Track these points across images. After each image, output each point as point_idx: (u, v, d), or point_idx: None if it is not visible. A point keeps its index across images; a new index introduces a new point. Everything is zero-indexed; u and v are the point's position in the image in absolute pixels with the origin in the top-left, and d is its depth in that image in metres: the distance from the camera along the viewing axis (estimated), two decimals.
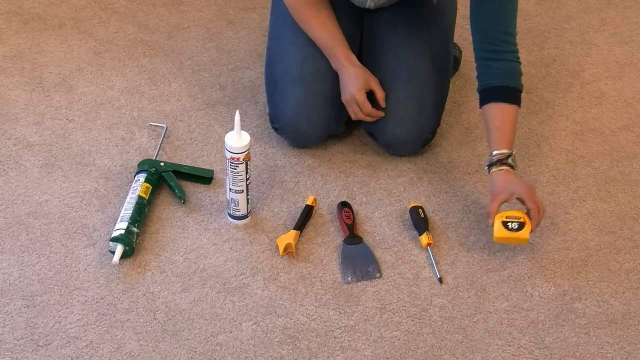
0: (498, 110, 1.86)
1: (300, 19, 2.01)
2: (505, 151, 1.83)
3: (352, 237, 1.88)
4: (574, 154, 2.13)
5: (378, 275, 1.82)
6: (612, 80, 2.37)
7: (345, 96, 1.97)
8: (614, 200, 2.02)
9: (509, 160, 1.83)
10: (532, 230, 1.80)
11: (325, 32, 1.99)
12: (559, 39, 2.50)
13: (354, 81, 1.95)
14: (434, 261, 1.83)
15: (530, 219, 1.80)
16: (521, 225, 1.80)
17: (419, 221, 1.89)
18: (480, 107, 1.89)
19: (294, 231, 1.86)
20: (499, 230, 1.80)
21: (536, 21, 2.57)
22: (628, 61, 2.44)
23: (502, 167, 1.83)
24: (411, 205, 1.93)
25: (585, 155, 2.13)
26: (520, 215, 1.81)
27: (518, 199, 1.82)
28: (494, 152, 1.84)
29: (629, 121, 2.24)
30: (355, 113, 1.98)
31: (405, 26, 2.05)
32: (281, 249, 1.83)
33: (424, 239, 1.86)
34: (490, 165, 1.85)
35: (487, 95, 1.87)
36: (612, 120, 2.24)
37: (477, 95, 2.26)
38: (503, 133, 1.85)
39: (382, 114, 1.99)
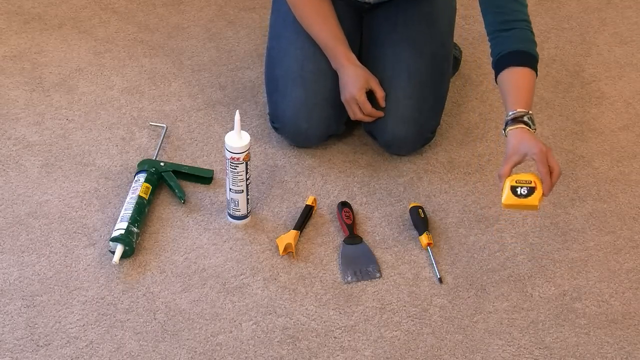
0: (512, 75, 1.77)
1: (301, 16, 2.01)
2: (522, 110, 1.74)
3: (352, 237, 1.88)
4: (574, 154, 2.13)
5: (378, 275, 1.82)
6: (612, 80, 2.37)
7: (345, 96, 1.97)
8: (614, 200, 2.02)
9: (525, 119, 1.72)
10: (544, 195, 1.67)
11: (325, 30, 1.98)
12: (559, 39, 2.50)
13: (354, 81, 1.95)
14: (434, 261, 1.83)
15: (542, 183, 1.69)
16: (531, 191, 1.68)
17: (419, 221, 1.89)
18: (496, 81, 1.82)
19: (294, 231, 1.86)
20: (507, 197, 1.68)
21: (536, 21, 2.57)
22: (628, 61, 2.44)
23: (518, 126, 1.72)
24: (411, 205, 1.93)
25: (585, 155, 2.13)
26: (532, 178, 1.70)
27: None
28: (510, 112, 1.73)
29: (629, 121, 2.24)
30: (354, 113, 1.98)
31: (405, 25, 2.05)
32: (281, 249, 1.83)
33: (424, 239, 1.86)
34: (505, 126, 1.75)
35: (501, 63, 1.79)
36: (612, 120, 2.24)
37: (477, 95, 2.26)
38: (519, 94, 1.75)
39: (381, 113, 1.99)
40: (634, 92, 2.33)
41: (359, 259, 1.84)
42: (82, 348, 1.65)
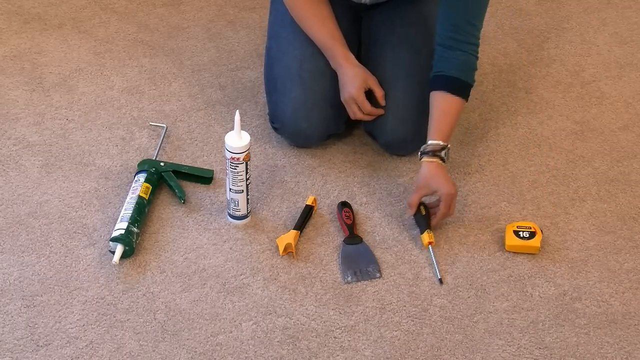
0: (443, 101, 1.87)
1: (299, 17, 2.01)
2: (441, 143, 1.85)
3: (352, 237, 1.88)
4: (574, 154, 2.13)
5: (378, 275, 1.82)
6: (612, 80, 2.37)
7: (344, 96, 1.97)
8: (614, 200, 2.02)
9: (442, 153, 1.85)
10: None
11: (323, 30, 1.99)
12: (559, 39, 2.50)
13: (353, 81, 1.95)
14: (435, 261, 1.82)
15: (432, 215, 1.86)
16: (532, 234, 1.85)
17: (421, 218, 1.88)
18: (429, 93, 1.90)
19: (294, 231, 1.86)
20: (510, 239, 1.85)
21: (536, 21, 2.57)
22: (628, 61, 2.44)
23: (433, 159, 1.84)
24: None
25: (585, 155, 2.13)
26: (531, 225, 1.87)
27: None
28: (429, 142, 1.85)
29: (629, 121, 2.24)
30: (354, 113, 1.98)
31: (404, 26, 2.05)
32: (281, 249, 1.83)
33: (425, 237, 1.85)
34: (422, 154, 1.86)
35: (437, 82, 1.89)
36: (612, 120, 2.24)
37: (477, 95, 2.27)
38: (442, 124, 1.86)
39: (381, 111, 1.99)
40: (634, 92, 2.33)
41: (359, 259, 1.84)
42: (82, 348, 1.65)
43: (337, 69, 1.98)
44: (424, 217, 1.88)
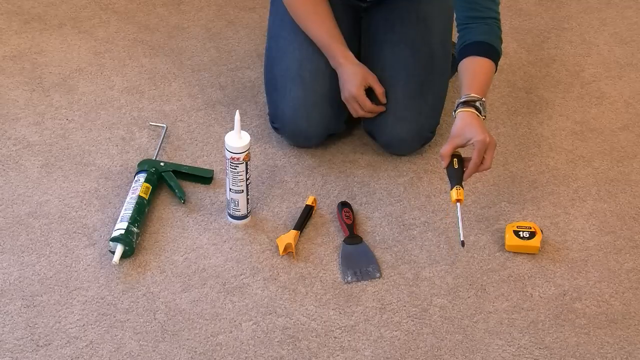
0: (473, 62, 1.83)
1: (298, 16, 2.00)
2: (475, 95, 1.78)
3: (352, 237, 1.88)
4: (574, 154, 2.13)
5: (378, 275, 1.82)
6: (612, 80, 2.37)
7: (344, 94, 1.97)
8: (614, 200, 2.02)
9: (477, 104, 1.77)
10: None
11: (322, 29, 1.98)
12: (559, 39, 2.50)
13: (352, 79, 1.95)
14: (460, 221, 1.71)
15: (466, 168, 1.73)
16: (532, 234, 1.85)
17: (452, 172, 1.73)
18: (456, 69, 1.87)
19: (294, 231, 1.86)
20: (510, 239, 1.85)
21: (536, 21, 2.57)
22: (628, 61, 2.44)
23: (468, 109, 1.76)
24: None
25: (585, 155, 2.13)
26: (531, 225, 1.87)
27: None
28: (463, 96, 1.78)
29: (629, 121, 2.24)
30: (355, 111, 1.99)
31: (404, 26, 2.05)
32: (281, 249, 1.83)
33: (454, 193, 1.71)
34: (456, 107, 1.79)
35: (464, 51, 1.85)
36: (612, 120, 2.24)
37: None
38: (475, 80, 1.80)
39: (382, 108, 1.99)
40: (634, 92, 2.33)
41: (359, 259, 1.84)
42: (82, 348, 1.65)
43: (336, 67, 1.98)
44: (456, 170, 1.74)
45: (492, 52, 1.84)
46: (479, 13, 1.85)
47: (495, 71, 1.86)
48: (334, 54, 1.98)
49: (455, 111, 1.79)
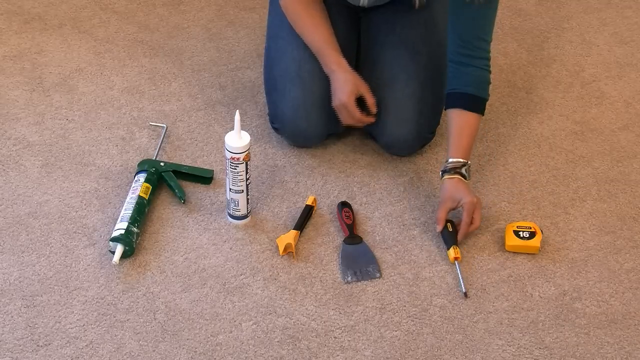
0: (460, 118, 1.89)
1: (293, 20, 2.00)
2: (461, 160, 1.87)
3: (352, 237, 1.88)
4: (574, 154, 2.13)
5: (378, 275, 1.82)
6: (612, 80, 2.37)
7: (334, 102, 1.96)
8: (614, 200, 2.02)
9: (462, 170, 1.87)
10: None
11: (317, 34, 1.98)
12: (559, 39, 2.50)
13: (344, 87, 1.94)
14: (461, 275, 1.80)
15: (459, 230, 1.86)
16: (532, 234, 1.86)
17: (447, 234, 1.87)
18: (445, 110, 1.93)
19: (294, 231, 1.86)
20: (510, 239, 1.86)
21: (536, 21, 2.57)
22: (628, 61, 2.44)
23: (454, 176, 1.87)
24: None
25: (585, 155, 2.13)
26: (531, 225, 1.87)
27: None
28: (449, 160, 1.88)
29: (629, 121, 2.24)
30: (345, 119, 1.98)
31: (403, 26, 2.05)
32: (281, 249, 1.83)
33: (452, 253, 1.84)
34: (443, 172, 1.88)
35: (453, 100, 1.90)
36: (612, 120, 2.24)
37: None
38: (461, 141, 1.88)
39: (372, 119, 1.98)
40: (634, 92, 2.33)
41: (359, 259, 1.84)
42: (82, 348, 1.65)
43: (329, 74, 1.97)
44: (451, 233, 1.87)
45: (480, 104, 1.91)
46: (470, 52, 1.87)
47: (483, 114, 1.91)
48: (327, 60, 1.97)
49: (441, 177, 1.88)
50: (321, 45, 1.97)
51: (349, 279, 1.80)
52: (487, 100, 1.92)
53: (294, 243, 1.84)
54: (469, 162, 1.89)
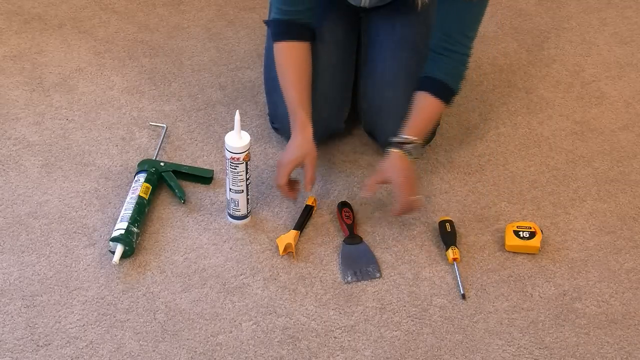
0: (424, 100, 1.90)
1: (278, 64, 1.96)
2: (410, 137, 1.86)
3: (352, 237, 1.88)
4: (574, 154, 2.13)
5: (378, 275, 1.82)
6: (612, 80, 2.37)
7: (279, 158, 1.92)
8: (614, 200, 2.02)
9: (409, 147, 1.86)
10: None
11: (295, 92, 1.92)
12: (559, 39, 2.50)
13: (293, 150, 1.89)
14: (459, 277, 1.81)
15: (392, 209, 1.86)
16: (532, 234, 1.86)
17: (446, 235, 1.87)
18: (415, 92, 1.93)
19: (294, 231, 1.87)
20: (510, 239, 1.86)
21: (536, 21, 2.57)
22: (628, 61, 2.44)
23: (397, 150, 1.86)
24: (440, 219, 1.91)
25: (585, 155, 2.13)
26: (531, 225, 1.87)
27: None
28: (399, 135, 1.87)
29: (629, 121, 2.24)
30: (275, 179, 1.92)
31: (403, 26, 2.05)
32: (281, 249, 1.83)
33: (450, 253, 1.84)
34: (389, 145, 1.88)
35: (423, 83, 1.91)
36: (612, 120, 2.24)
37: (477, 95, 2.26)
38: (417, 121, 1.89)
39: (293, 197, 1.93)
40: (634, 92, 2.33)
41: (359, 259, 1.84)
42: (82, 348, 1.65)
43: (292, 132, 1.92)
44: (449, 233, 1.87)
45: (447, 93, 1.91)
46: (451, 46, 1.88)
47: (449, 104, 1.92)
48: (295, 120, 1.91)
49: (389, 147, 1.88)
50: (295, 105, 1.91)
51: (349, 279, 1.80)
52: (456, 93, 1.92)
53: (294, 243, 1.84)
54: (420, 142, 1.87)
